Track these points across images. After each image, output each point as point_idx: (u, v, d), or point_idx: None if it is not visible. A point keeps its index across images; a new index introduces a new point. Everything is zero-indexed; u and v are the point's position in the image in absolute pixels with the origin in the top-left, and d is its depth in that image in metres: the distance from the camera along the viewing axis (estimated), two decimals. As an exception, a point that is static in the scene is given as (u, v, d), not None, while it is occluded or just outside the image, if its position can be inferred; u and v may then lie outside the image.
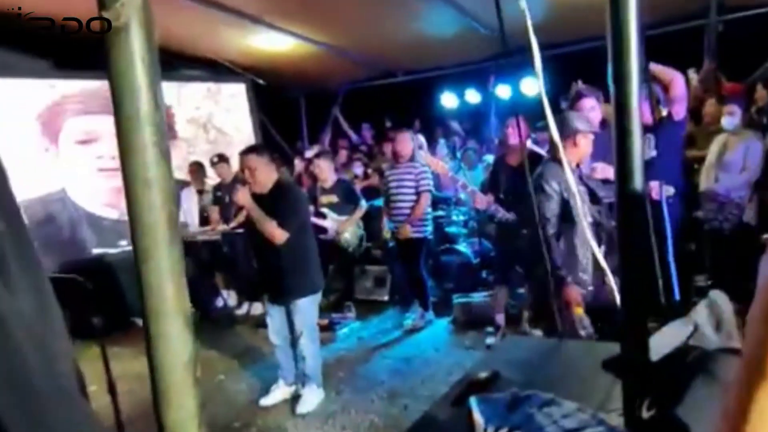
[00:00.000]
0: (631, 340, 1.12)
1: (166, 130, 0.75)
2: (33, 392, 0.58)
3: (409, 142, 5.23)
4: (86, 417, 0.65)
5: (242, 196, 3.59)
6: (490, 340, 4.66)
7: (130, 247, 0.72)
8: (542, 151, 4.25)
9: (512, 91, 6.71)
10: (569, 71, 5.61)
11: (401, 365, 4.47)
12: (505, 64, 6.30)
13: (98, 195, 6.29)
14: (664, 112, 4.12)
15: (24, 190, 5.57)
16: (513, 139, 4.52)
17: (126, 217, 0.70)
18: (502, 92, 6.85)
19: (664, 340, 1.35)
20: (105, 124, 6.14)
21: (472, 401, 1.31)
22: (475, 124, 7.82)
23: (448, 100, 7.75)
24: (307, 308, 3.76)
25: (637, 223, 1.10)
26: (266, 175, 3.66)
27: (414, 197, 5.17)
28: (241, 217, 5.25)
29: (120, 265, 5.90)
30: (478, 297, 5.26)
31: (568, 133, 3.03)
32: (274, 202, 3.61)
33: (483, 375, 1.52)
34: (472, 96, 7.62)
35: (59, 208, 5.99)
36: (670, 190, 3.88)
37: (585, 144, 3.13)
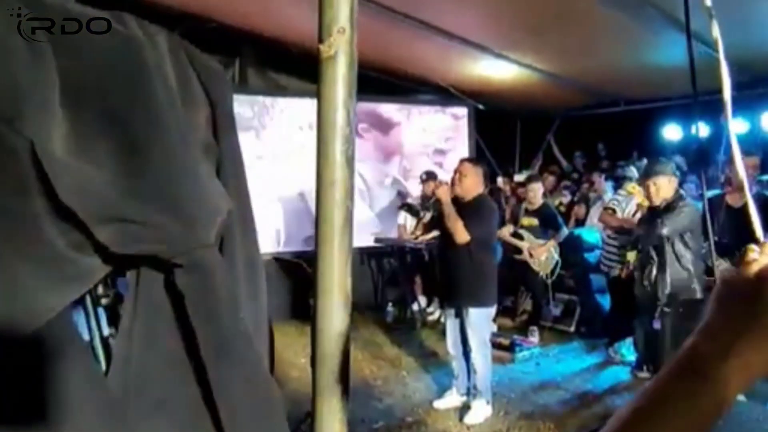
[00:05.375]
0: None
1: (354, 141, 0.92)
2: (222, 328, 0.79)
3: None
4: (258, 359, 0.85)
5: (443, 190, 3.91)
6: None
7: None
8: None
9: (750, 125, 6.01)
10: None
11: (575, 400, 4.39)
12: (744, 96, 5.70)
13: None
14: None
15: (285, 188, 6.67)
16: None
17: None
18: (737, 126, 6.16)
19: None
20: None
21: None
22: (699, 160, 7.10)
23: (671, 132, 7.19)
24: (479, 322, 3.94)
25: None
26: (473, 184, 3.96)
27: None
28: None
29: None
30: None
31: None
32: (471, 210, 3.90)
33: None
34: (700, 129, 6.93)
35: (303, 207, 6.80)
36: None
37: None
